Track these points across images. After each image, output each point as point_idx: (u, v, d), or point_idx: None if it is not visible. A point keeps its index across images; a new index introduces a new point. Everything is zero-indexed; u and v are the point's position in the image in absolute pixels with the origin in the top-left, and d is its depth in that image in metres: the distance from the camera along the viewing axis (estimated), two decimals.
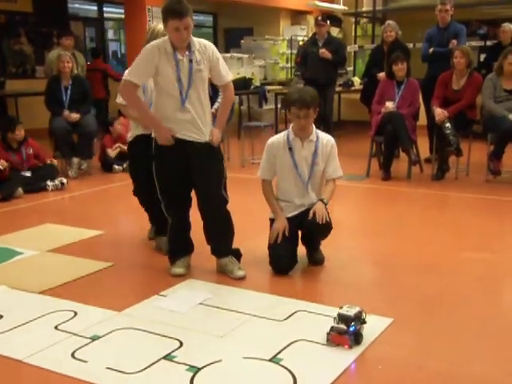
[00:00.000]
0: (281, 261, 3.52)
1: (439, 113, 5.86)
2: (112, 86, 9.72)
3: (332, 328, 2.59)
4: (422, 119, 6.52)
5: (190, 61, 3.24)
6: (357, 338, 2.58)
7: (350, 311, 2.61)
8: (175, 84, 3.23)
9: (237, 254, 3.57)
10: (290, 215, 3.59)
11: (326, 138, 3.60)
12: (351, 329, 2.56)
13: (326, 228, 3.50)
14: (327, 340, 2.59)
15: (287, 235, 3.51)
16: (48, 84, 6.72)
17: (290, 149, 3.54)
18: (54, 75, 6.75)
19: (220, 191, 3.42)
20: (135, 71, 3.25)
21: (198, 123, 3.29)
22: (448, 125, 5.78)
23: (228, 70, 3.48)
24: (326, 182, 3.64)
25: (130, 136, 4.00)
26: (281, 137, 3.61)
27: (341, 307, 2.65)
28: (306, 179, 3.57)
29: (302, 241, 3.69)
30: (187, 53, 3.24)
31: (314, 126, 3.57)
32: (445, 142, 5.86)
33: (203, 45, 3.33)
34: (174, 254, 3.55)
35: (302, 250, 3.68)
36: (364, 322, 2.65)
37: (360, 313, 2.63)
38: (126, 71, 3.38)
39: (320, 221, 3.40)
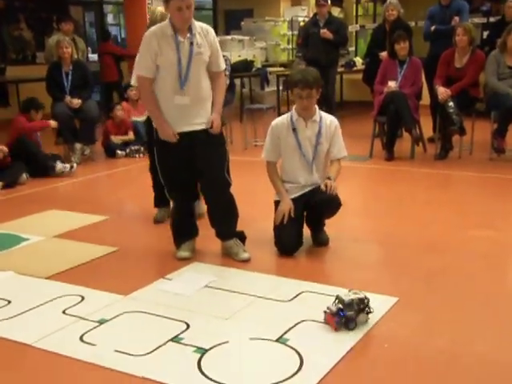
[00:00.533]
0: (286, 242, 3.54)
1: (442, 91, 5.82)
2: (124, 67, 9.65)
3: (328, 307, 2.61)
4: (425, 98, 6.48)
5: (191, 43, 3.23)
6: (347, 323, 2.55)
7: (349, 296, 2.58)
8: (175, 66, 3.23)
9: (241, 237, 3.59)
10: (294, 196, 3.60)
11: (329, 119, 3.61)
12: (342, 313, 2.55)
13: (334, 204, 3.50)
14: (324, 318, 2.63)
15: (293, 216, 3.53)
16: (49, 70, 6.70)
17: (294, 129, 3.55)
18: (55, 61, 6.73)
19: (223, 174, 3.43)
20: (141, 64, 3.30)
21: (197, 108, 3.29)
22: (451, 103, 5.74)
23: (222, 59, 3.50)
24: (331, 162, 3.66)
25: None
26: (284, 118, 3.62)
27: (350, 290, 2.64)
28: (310, 159, 3.58)
29: (307, 222, 3.70)
30: (188, 35, 3.23)
31: (317, 107, 3.57)
32: (448, 120, 5.84)
33: (205, 29, 3.32)
34: (179, 237, 3.57)
35: (306, 231, 3.69)
36: (363, 310, 2.59)
37: (361, 300, 2.58)
38: (135, 66, 3.41)
39: (330, 191, 3.41)
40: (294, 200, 3.58)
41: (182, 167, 3.37)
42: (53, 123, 6.25)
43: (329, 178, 3.52)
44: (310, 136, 3.55)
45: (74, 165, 5.99)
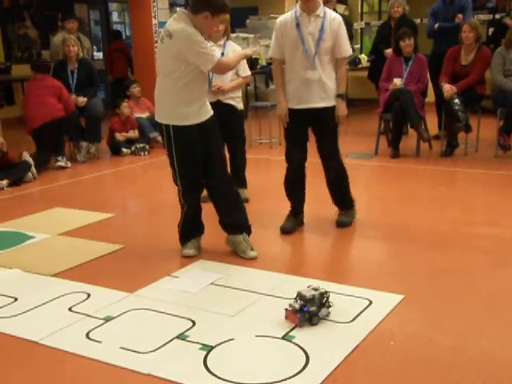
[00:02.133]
0: (290, 154, 3.82)
1: (448, 89, 5.81)
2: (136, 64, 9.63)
3: (290, 304, 2.62)
4: (430, 96, 6.46)
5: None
6: (310, 318, 2.58)
7: (310, 292, 2.61)
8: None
9: (249, 231, 3.56)
10: (298, 107, 3.68)
11: (333, 15, 3.67)
12: (305, 308, 2.57)
13: (342, 183, 3.89)
14: (285, 315, 2.63)
15: (287, 121, 3.72)
16: (54, 68, 6.71)
17: (298, 25, 3.61)
18: (60, 59, 6.75)
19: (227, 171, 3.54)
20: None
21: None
22: (457, 100, 5.73)
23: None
24: (337, 62, 3.68)
25: None
26: (288, 14, 3.72)
27: (309, 286, 2.68)
28: (312, 54, 3.62)
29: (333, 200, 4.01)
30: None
31: (321, 2, 3.64)
32: (454, 118, 5.82)
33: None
34: (185, 236, 3.57)
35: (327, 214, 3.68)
36: (326, 305, 2.65)
37: (322, 295, 2.63)
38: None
39: (340, 120, 3.70)
40: (298, 112, 3.68)
41: (197, 164, 3.37)
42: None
43: (340, 96, 3.67)
44: (312, 31, 3.61)
45: (92, 149, 6.45)
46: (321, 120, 3.75)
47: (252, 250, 3.49)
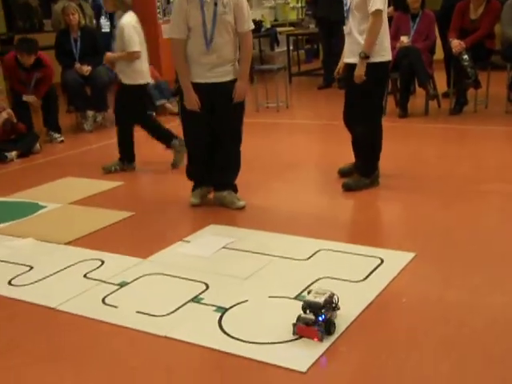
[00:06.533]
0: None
1: (456, 44, 5.69)
2: None
3: (299, 318, 2.22)
4: (438, 53, 6.34)
5: (215, 4, 3.35)
6: (328, 328, 2.20)
7: (319, 297, 2.21)
8: (201, 27, 3.38)
9: (235, 189, 3.74)
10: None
11: None
12: (320, 318, 2.18)
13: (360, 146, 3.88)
14: (293, 332, 2.23)
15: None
16: (57, 37, 6.64)
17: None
18: (62, 28, 6.67)
19: (240, 128, 3.62)
20: (174, 27, 3.49)
21: (222, 66, 3.47)
22: (465, 56, 5.62)
23: (250, 20, 3.53)
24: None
25: None
26: None
27: (309, 292, 2.29)
28: (347, 7, 3.64)
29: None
30: None
31: None
32: (462, 74, 5.72)
33: None
34: (193, 180, 3.81)
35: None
36: (336, 307, 2.27)
37: (331, 297, 2.24)
38: (168, 30, 3.61)
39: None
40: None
41: (203, 121, 3.55)
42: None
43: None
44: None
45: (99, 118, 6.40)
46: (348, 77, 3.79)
47: (239, 199, 3.67)
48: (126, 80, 4.57)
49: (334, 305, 2.26)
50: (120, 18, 4.51)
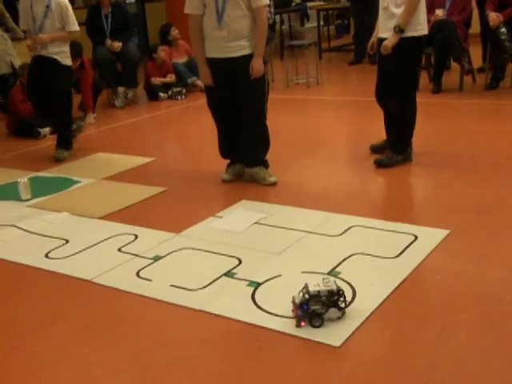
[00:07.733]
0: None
1: (494, 17, 5.52)
2: None
3: (293, 297, 2.22)
4: (474, 27, 6.17)
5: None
6: (311, 319, 2.13)
7: (318, 287, 2.13)
8: (213, 2, 3.39)
9: (266, 165, 3.75)
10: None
11: None
12: (305, 306, 2.12)
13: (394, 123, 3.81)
14: (292, 309, 2.23)
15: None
16: (88, 13, 6.66)
17: None
18: (93, 4, 6.69)
19: (262, 103, 3.60)
20: (189, 3, 3.52)
21: (234, 41, 3.45)
22: (503, 30, 5.45)
23: None
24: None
25: None
26: None
27: (324, 278, 2.21)
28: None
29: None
30: None
31: None
32: (500, 48, 5.56)
33: None
34: (224, 156, 3.84)
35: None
36: (335, 305, 2.14)
37: (331, 293, 2.12)
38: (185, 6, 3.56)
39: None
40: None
41: (224, 96, 3.60)
42: None
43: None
44: None
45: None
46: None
47: (270, 175, 3.68)
48: (63, 60, 4.45)
49: (333, 301, 2.13)
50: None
